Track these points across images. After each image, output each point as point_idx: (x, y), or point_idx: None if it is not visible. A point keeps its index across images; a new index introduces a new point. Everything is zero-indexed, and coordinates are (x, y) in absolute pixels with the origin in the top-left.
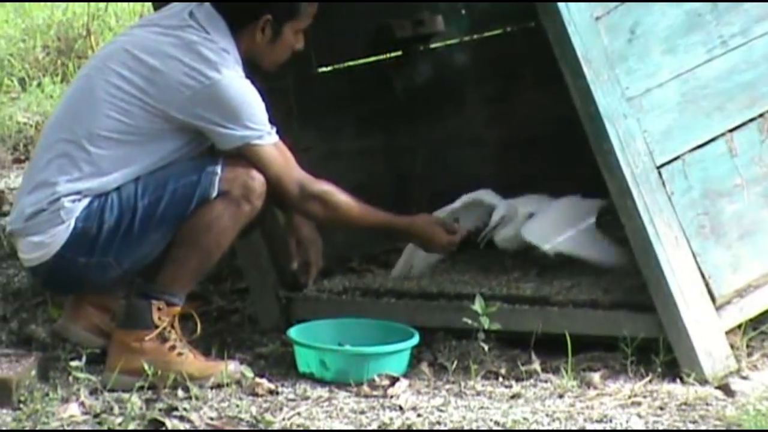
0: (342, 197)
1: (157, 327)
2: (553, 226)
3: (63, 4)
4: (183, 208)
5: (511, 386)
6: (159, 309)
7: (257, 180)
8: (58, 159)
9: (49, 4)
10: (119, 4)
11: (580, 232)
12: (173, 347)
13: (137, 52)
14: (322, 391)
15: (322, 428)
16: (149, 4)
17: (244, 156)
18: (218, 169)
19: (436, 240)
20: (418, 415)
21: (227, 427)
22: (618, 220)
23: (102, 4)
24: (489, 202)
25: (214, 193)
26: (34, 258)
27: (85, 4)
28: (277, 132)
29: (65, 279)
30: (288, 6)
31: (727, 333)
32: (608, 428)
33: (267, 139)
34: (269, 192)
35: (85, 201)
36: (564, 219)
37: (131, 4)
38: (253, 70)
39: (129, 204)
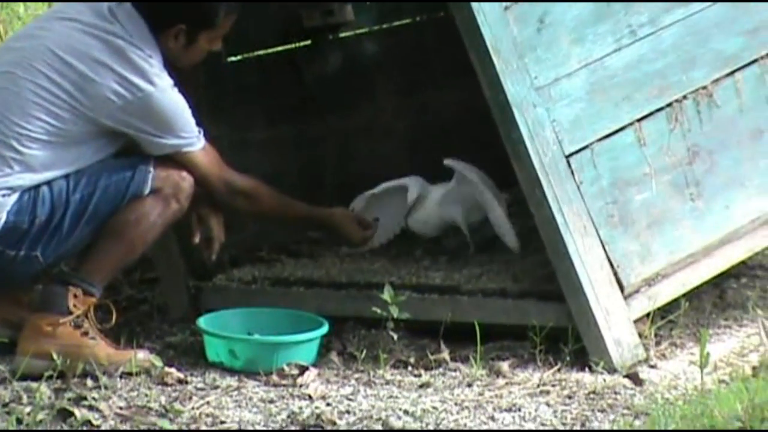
0: (266, 191)
1: (71, 313)
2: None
3: None
4: (115, 204)
5: (420, 375)
6: (75, 296)
7: (187, 180)
8: None
9: None
10: None
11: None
12: (86, 333)
13: (63, 54)
14: (232, 381)
15: (231, 417)
16: None
17: (174, 160)
18: (151, 167)
19: (351, 235)
20: (328, 404)
21: (136, 417)
22: (527, 210)
23: None
24: (409, 187)
25: (147, 190)
26: None
27: None
28: None
29: None
30: (203, 17)
31: (635, 322)
32: (517, 417)
33: (196, 145)
34: (198, 193)
35: (16, 195)
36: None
37: None
38: (167, 67)
39: (61, 199)
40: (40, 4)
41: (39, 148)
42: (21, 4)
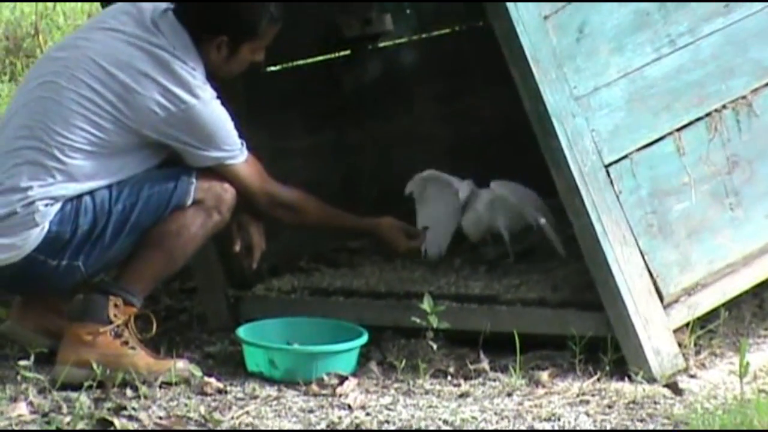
0: (310, 202)
1: (111, 322)
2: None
3: (11, 3)
4: (157, 214)
5: (459, 385)
6: (116, 306)
7: (229, 192)
8: (27, 166)
9: None
10: (68, 3)
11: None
12: (126, 343)
13: (107, 65)
14: (271, 390)
15: (270, 427)
16: (98, 3)
17: (216, 171)
18: (193, 178)
19: (398, 244)
20: (367, 414)
21: (176, 427)
22: (566, 219)
23: (50, 3)
24: (454, 185)
25: (189, 201)
26: (1, 259)
27: (33, 3)
28: None
29: (30, 281)
30: (246, 28)
31: (675, 331)
32: (556, 427)
33: (239, 158)
34: (239, 203)
35: (58, 205)
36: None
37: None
38: (209, 78)
39: (103, 209)
40: (80, 13)
41: (82, 158)
42: (61, 14)
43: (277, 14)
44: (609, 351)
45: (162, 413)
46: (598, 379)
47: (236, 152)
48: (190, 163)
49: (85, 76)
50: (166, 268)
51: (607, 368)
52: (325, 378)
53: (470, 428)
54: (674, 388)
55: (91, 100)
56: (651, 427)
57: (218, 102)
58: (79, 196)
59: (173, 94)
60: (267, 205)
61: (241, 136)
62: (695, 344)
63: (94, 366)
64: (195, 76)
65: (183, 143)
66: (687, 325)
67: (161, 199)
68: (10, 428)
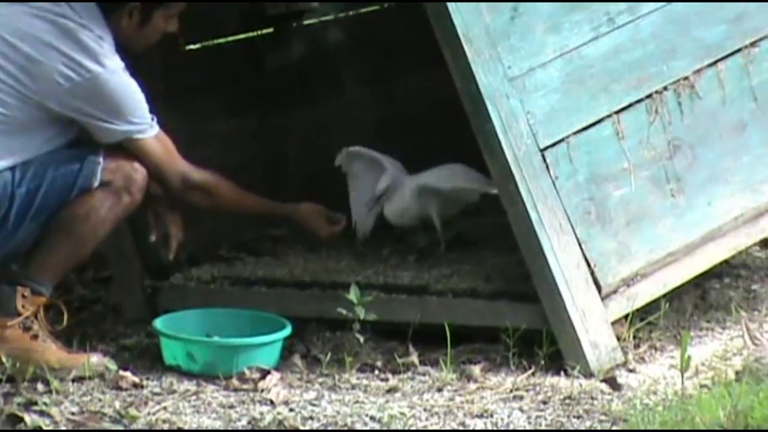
0: (224, 185)
1: (20, 314)
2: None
3: None
4: (62, 197)
5: (387, 379)
6: (24, 296)
7: (139, 172)
8: None
9: None
10: None
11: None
12: (35, 336)
13: (9, 37)
14: (190, 385)
15: (189, 424)
16: None
17: (126, 148)
18: (100, 158)
19: (318, 230)
20: (290, 410)
21: (90, 423)
22: (500, 205)
23: None
24: (383, 164)
25: (96, 183)
26: None
27: None
28: None
29: None
30: None
31: (613, 324)
32: (489, 423)
33: (149, 132)
34: (149, 183)
35: None
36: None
37: None
38: (120, 51)
39: (6, 192)
40: None
41: None
42: None
43: None
44: (544, 344)
45: (75, 409)
46: (533, 374)
47: (145, 126)
48: (98, 139)
49: None
50: (76, 254)
51: (542, 362)
52: (247, 372)
53: (398, 425)
54: (612, 383)
55: None
56: (588, 423)
57: (127, 73)
58: None
59: (78, 63)
60: (179, 185)
61: (152, 111)
62: (634, 337)
63: (4, 360)
64: (102, 45)
65: (89, 116)
66: (626, 317)
67: (66, 181)
68: None
